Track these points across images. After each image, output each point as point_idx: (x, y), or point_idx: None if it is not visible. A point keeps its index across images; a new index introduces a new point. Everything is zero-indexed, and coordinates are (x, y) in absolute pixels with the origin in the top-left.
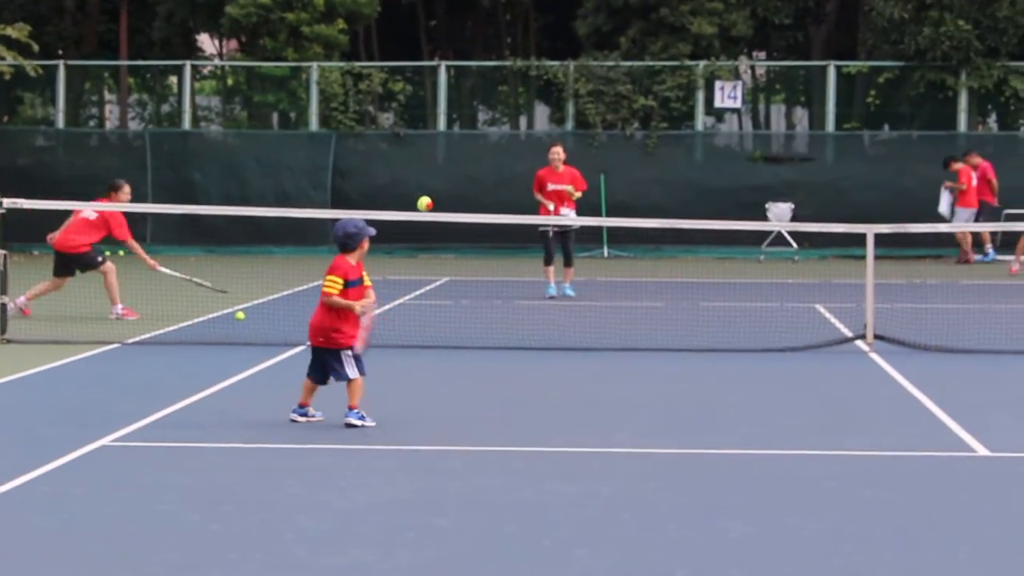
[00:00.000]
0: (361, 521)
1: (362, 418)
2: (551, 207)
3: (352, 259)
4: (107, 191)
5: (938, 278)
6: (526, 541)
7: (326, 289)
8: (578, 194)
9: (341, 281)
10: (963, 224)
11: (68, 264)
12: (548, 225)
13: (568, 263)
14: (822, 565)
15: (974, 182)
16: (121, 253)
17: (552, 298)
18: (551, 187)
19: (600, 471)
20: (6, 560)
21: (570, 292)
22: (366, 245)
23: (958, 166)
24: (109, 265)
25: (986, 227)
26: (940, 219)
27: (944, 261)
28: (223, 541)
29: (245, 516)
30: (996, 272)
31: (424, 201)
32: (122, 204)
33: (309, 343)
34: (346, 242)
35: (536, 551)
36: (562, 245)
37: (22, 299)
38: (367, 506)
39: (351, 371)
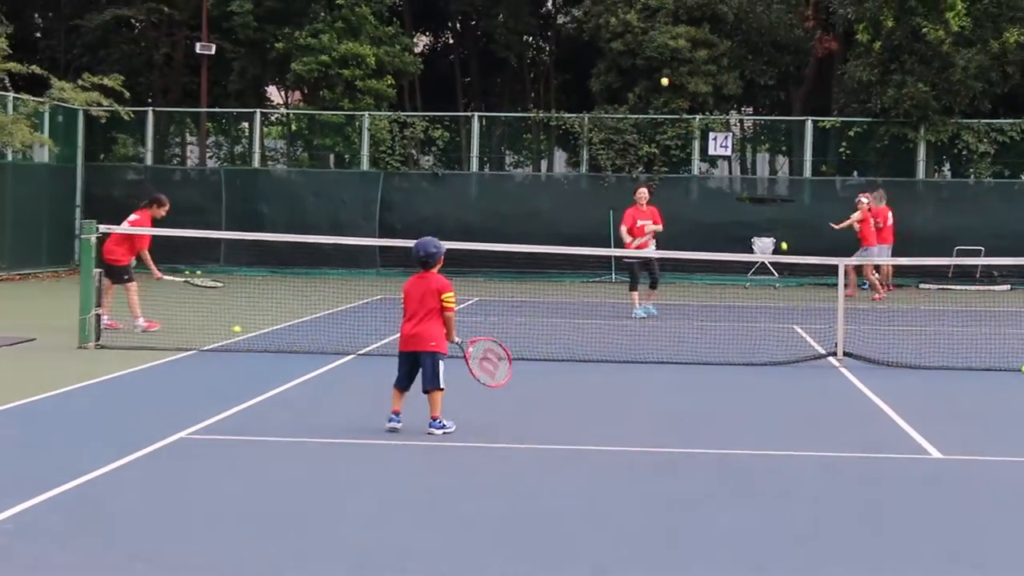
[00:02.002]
0: (398, 506)
1: (443, 427)
2: (634, 241)
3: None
4: (149, 203)
5: (900, 304)
6: (544, 527)
7: (448, 304)
8: (659, 227)
9: (453, 295)
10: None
11: (109, 273)
12: (632, 258)
13: (654, 287)
14: (797, 548)
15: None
16: (199, 273)
17: (641, 319)
18: (640, 223)
19: (608, 466)
20: (101, 533)
21: (653, 311)
22: (442, 262)
23: (864, 203)
24: (133, 284)
25: (896, 261)
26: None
27: (902, 290)
28: (281, 521)
29: (301, 499)
30: (952, 299)
31: None
32: (157, 227)
33: (403, 351)
34: (427, 260)
35: (553, 535)
36: (649, 272)
37: (140, 321)
38: (404, 494)
39: (443, 380)
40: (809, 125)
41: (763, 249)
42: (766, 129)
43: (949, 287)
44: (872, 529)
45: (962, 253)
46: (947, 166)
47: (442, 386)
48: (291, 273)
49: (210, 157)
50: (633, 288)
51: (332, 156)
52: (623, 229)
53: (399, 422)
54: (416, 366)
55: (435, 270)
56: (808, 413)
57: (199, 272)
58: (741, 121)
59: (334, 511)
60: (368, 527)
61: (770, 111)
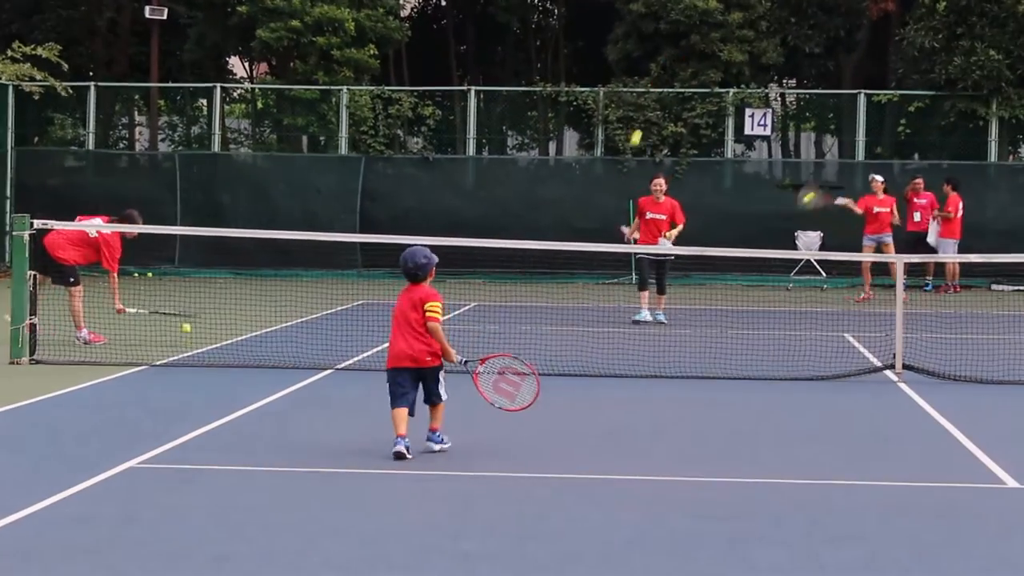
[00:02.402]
0: (387, 545)
1: (441, 440)
2: (634, 238)
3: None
4: (121, 218)
5: (967, 308)
6: (552, 568)
7: (431, 314)
8: (679, 227)
9: (440, 306)
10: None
11: (53, 271)
12: (644, 254)
13: (661, 291)
14: None
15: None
16: (149, 275)
17: (646, 322)
18: (650, 216)
19: (628, 498)
20: None
21: (662, 318)
22: (433, 274)
23: (950, 192)
24: (79, 288)
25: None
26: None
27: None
28: (249, 564)
29: (271, 539)
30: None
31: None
32: (133, 229)
33: (392, 369)
34: (416, 273)
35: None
36: (656, 274)
37: (84, 332)
38: (393, 530)
39: (444, 391)
40: (862, 100)
41: (808, 245)
42: (812, 104)
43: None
44: (937, 572)
45: None
46: None
47: (444, 398)
48: (258, 275)
49: (162, 140)
50: (642, 288)
51: (305, 138)
52: (634, 223)
53: (405, 446)
54: (415, 383)
55: (426, 283)
56: (862, 436)
57: (150, 275)
58: (783, 95)
59: (309, 552)
60: (351, 571)
61: (816, 83)
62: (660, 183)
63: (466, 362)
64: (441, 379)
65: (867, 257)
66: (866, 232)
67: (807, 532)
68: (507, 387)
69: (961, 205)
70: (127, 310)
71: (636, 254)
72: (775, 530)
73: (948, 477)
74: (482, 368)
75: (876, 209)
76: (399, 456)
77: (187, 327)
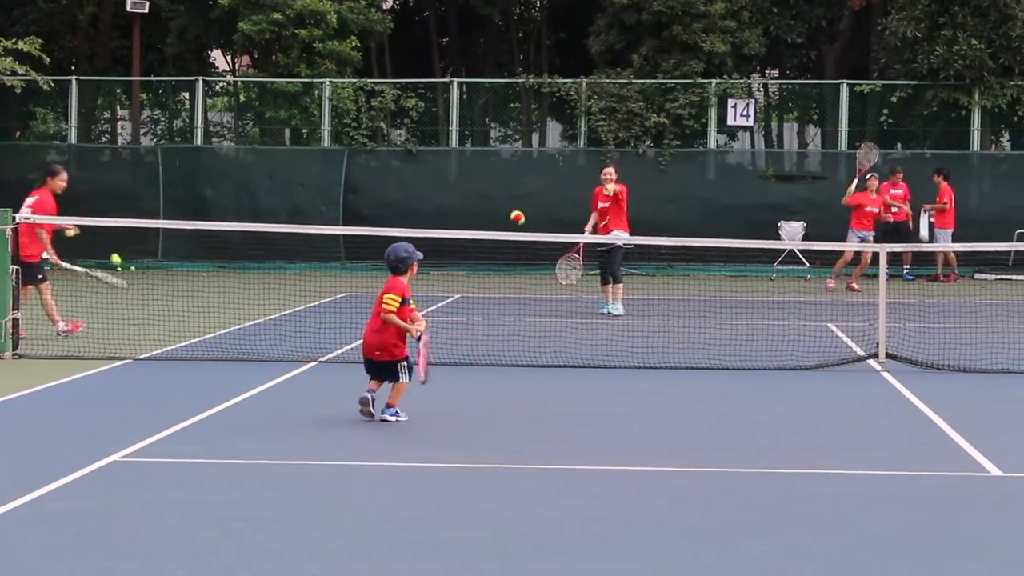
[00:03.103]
0: (372, 538)
1: (396, 414)
2: (590, 227)
3: (404, 280)
4: (44, 177)
5: (950, 297)
6: (536, 559)
7: (386, 307)
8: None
9: (399, 299)
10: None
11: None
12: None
13: (613, 281)
14: None
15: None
16: (132, 269)
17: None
18: (601, 206)
19: (613, 489)
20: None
21: (616, 310)
22: (415, 268)
23: (941, 183)
24: (46, 285)
25: (1008, 246)
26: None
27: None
28: (233, 558)
29: (255, 533)
30: (1012, 291)
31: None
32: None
33: (365, 356)
34: (397, 265)
35: (548, 570)
36: (603, 263)
37: (61, 324)
38: (376, 523)
39: (403, 376)
40: (844, 89)
41: (791, 235)
42: (794, 95)
43: (1009, 277)
44: (922, 559)
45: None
46: (1006, 136)
47: (404, 381)
48: (241, 268)
49: (144, 134)
50: (611, 282)
51: (288, 131)
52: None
53: (372, 397)
54: (380, 370)
55: (405, 277)
56: (846, 425)
57: (133, 269)
58: (765, 86)
59: (293, 545)
60: (335, 564)
61: (799, 73)
62: (609, 172)
63: (419, 337)
64: (400, 369)
65: (849, 247)
66: (853, 227)
67: (791, 521)
68: (423, 362)
69: (952, 195)
70: (62, 264)
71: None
72: (759, 519)
73: (931, 466)
74: (424, 351)
75: (868, 207)
76: (361, 402)
77: (116, 257)
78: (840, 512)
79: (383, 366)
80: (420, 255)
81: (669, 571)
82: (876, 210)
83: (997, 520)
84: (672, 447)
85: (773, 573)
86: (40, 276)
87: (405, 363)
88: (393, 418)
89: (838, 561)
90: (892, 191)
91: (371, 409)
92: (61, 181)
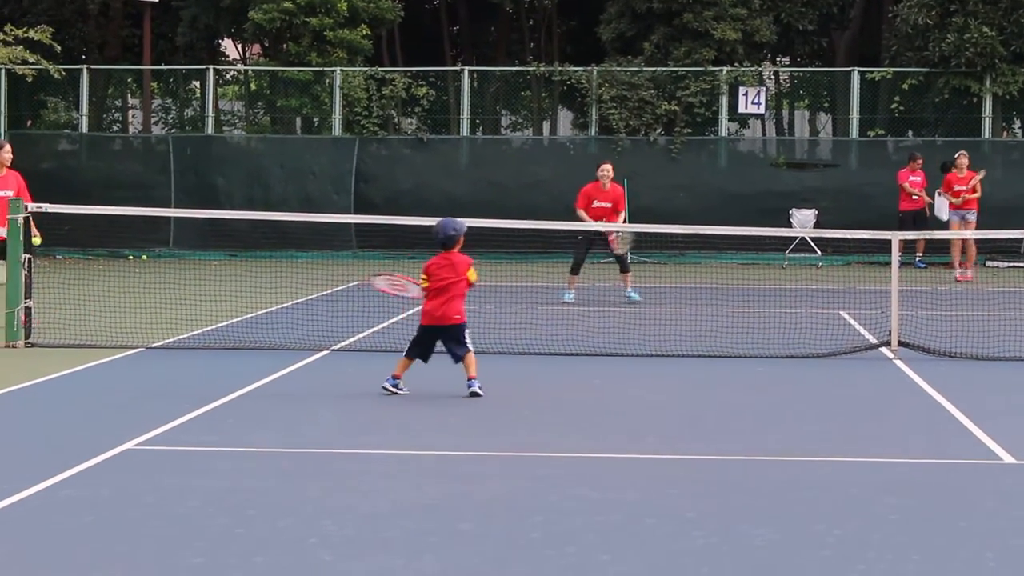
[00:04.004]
0: (385, 526)
1: (479, 385)
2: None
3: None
4: None
5: (962, 285)
6: (550, 547)
7: (474, 278)
8: (619, 219)
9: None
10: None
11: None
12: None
13: (624, 269)
14: (846, 572)
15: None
16: (144, 257)
17: (565, 303)
18: (596, 204)
19: (624, 477)
20: (31, 563)
21: (636, 297)
22: (462, 242)
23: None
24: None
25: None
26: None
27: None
28: (248, 545)
29: (270, 520)
30: (1020, 279)
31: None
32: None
33: (425, 325)
34: (447, 242)
35: (560, 557)
36: (581, 252)
37: None
38: (391, 511)
39: (470, 343)
40: (856, 77)
41: (803, 222)
42: (805, 82)
43: (1021, 264)
44: (932, 548)
45: None
46: (1018, 123)
47: (470, 348)
48: (252, 256)
49: (156, 123)
50: (574, 272)
51: (299, 120)
52: (579, 212)
53: (398, 387)
54: (435, 342)
55: (456, 250)
56: (859, 413)
57: (144, 257)
58: (776, 73)
59: (308, 533)
60: (349, 552)
61: (810, 61)
62: (607, 169)
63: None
64: (466, 333)
65: (861, 234)
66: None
67: (803, 509)
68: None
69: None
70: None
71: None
72: (771, 507)
73: (944, 453)
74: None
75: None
76: (385, 391)
77: (37, 239)
78: (852, 499)
79: (449, 332)
80: (465, 227)
81: (680, 559)
82: (962, 188)
83: (1009, 507)
84: (683, 435)
85: (784, 560)
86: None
87: (467, 329)
88: (479, 387)
89: (849, 548)
90: (911, 178)
91: (391, 390)
92: (6, 153)
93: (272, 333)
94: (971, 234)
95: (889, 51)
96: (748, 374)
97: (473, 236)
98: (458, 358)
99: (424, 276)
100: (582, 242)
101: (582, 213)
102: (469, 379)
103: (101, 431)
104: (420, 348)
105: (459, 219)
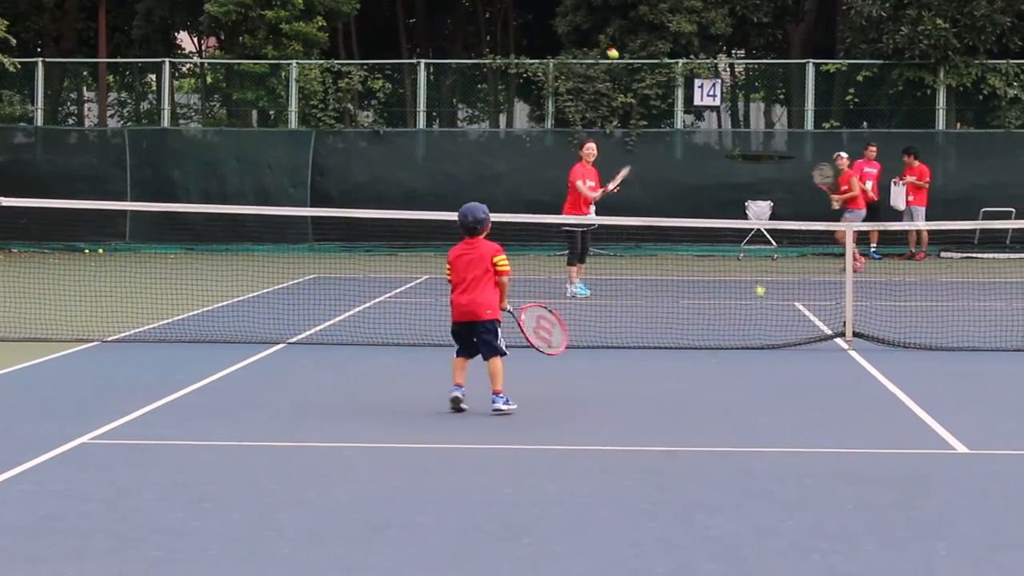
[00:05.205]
0: (342, 518)
1: (507, 402)
2: (592, 206)
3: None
4: None
5: (916, 276)
6: (506, 539)
7: (508, 268)
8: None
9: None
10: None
11: None
12: (577, 225)
13: (582, 260)
14: (801, 562)
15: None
16: (100, 251)
17: (575, 297)
18: (590, 183)
19: (581, 469)
20: None
21: (585, 291)
22: (489, 228)
23: (914, 163)
24: None
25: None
26: (896, 214)
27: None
28: (204, 538)
29: (225, 513)
30: (978, 269)
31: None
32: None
33: (457, 322)
34: (475, 227)
35: (516, 549)
36: (584, 245)
37: None
38: (348, 503)
39: (503, 343)
40: (810, 69)
41: (758, 214)
42: (760, 74)
43: (974, 255)
44: (888, 536)
45: (990, 216)
46: (971, 115)
47: (504, 351)
48: (208, 250)
49: (111, 116)
50: (572, 263)
51: (255, 113)
52: (582, 185)
53: (462, 393)
54: (471, 335)
55: (483, 236)
56: (813, 404)
57: (100, 250)
58: (731, 65)
59: (265, 526)
60: (306, 544)
61: (765, 53)
62: (592, 147)
63: (511, 310)
64: (499, 333)
65: (816, 226)
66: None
67: (758, 500)
68: (544, 334)
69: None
70: None
71: (565, 226)
72: (726, 498)
73: (899, 444)
74: (524, 316)
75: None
76: (454, 400)
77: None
78: (806, 489)
79: (481, 327)
80: (489, 214)
81: (636, 549)
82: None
83: (963, 497)
84: (640, 427)
85: (740, 550)
86: None
87: (500, 328)
88: (505, 406)
89: (805, 538)
90: (866, 168)
91: (461, 398)
92: None
93: (228, 326)
94: (924, 225)
95: (844, 43)
96: (703, 365)
97: (430, 228)
98: (486, 357)
99: (448, 266)
100: (576, 229)
101: (582, 186)
102: (493, 393)
103: (56, 425)
104: (459, 343)
105: (484, 206)
